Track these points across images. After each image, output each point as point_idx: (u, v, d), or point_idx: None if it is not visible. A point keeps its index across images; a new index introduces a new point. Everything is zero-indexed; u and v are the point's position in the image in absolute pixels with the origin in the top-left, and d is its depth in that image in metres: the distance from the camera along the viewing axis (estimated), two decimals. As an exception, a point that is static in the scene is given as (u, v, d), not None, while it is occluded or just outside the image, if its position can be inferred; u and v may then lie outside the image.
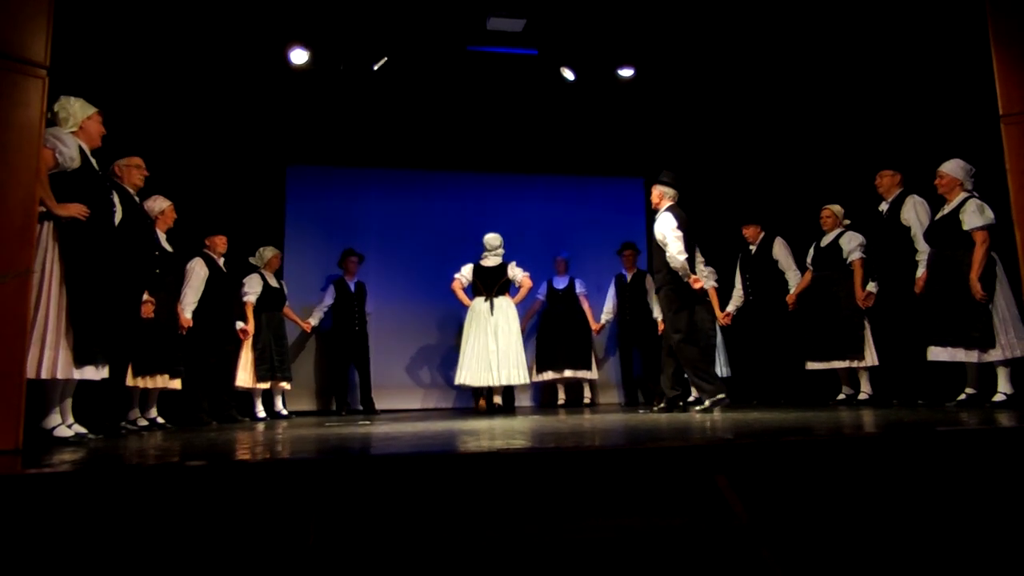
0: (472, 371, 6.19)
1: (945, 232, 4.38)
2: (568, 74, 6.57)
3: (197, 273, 5.28)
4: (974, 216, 4.24)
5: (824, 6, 5.52)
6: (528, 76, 6.71)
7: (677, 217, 4.91)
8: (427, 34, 6.08)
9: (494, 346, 6.17)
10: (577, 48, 6.46)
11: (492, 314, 6.25)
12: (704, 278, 6.42)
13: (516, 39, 6.07)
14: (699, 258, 5.68)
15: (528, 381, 6.44)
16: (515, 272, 6.39)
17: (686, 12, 5.75)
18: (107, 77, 4.97)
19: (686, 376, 4.98)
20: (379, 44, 6.20)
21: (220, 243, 5.57)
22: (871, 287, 5.10)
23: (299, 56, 6.11)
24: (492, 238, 6.47)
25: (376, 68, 6.30)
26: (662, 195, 5.08)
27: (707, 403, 4.73)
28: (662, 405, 4.95)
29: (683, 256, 4.78)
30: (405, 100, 6.92)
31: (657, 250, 4.95)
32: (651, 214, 7.77)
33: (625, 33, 6.16)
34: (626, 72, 6.58)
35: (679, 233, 4.83)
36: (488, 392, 6.37)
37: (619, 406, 6.77)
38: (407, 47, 6.25)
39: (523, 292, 6.42)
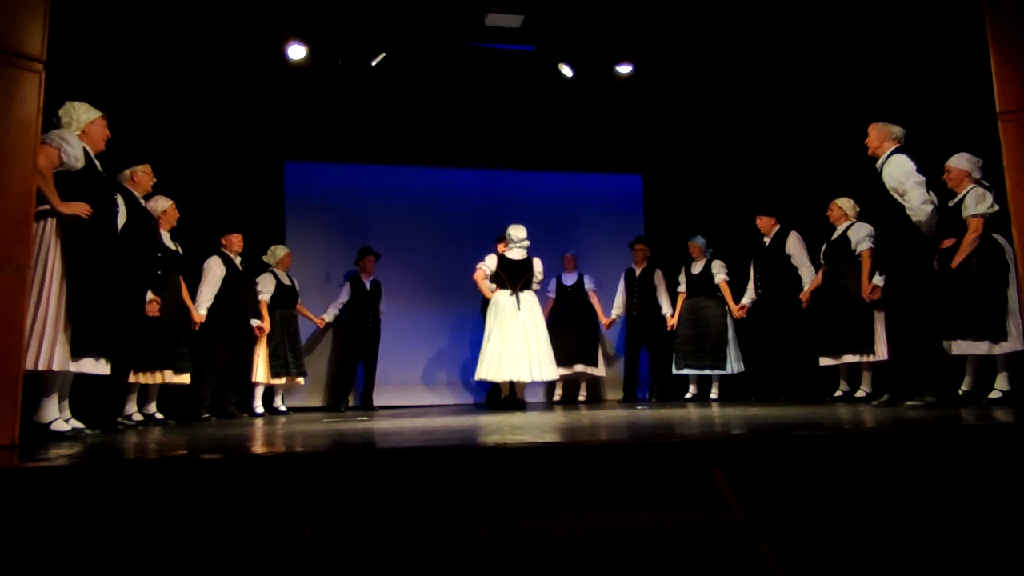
0: (498, 366, 5.83)
1: (954, 224, 4.33)
2: (566, 70, 6.55)
3: (214, 271, 5.41)
4: (972, 204, 4.24)
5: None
6: (526, 72, 6.69)
7: (913, 158, 3.94)
8: (425, 29, 6.06)
9: (524, 343, 5.84)
10: (575, 44, 6.43)
11: (519, 309, 5.92)
12: (715, 272, 6.40)
13: (514, 35, 6.06)
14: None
15: (558, 376, 6.23)
16: (538, 268, 6.09)
17: (684, 7, 5.72)
18: (104, 72, 4.97)
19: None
20: (377, 39, 6.18)
21: (236, 242, 5.71)
22: (877, 280, 4.97)
23: (297, 51, 6.08)
24: (517, 230, 6.07)
25: (374, 64, 6.29)
26: (884, 135, 4.10)
27: (925, 399, 3.85)
28: (925, 400, 3.83)
29: (929, 207, 3.85)
30: (403, 96, 6.90)
31: (885, 205, 3.97)
32: (650, 210, 7.82)
33: (623, 29, 6.14)
34: (624, 68, 6.53)
35: (921, 178, 3.86)
36: (511, 387, 6.02)
37: (617, 402, 6.76)
38: (405, 42, 6.24)
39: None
